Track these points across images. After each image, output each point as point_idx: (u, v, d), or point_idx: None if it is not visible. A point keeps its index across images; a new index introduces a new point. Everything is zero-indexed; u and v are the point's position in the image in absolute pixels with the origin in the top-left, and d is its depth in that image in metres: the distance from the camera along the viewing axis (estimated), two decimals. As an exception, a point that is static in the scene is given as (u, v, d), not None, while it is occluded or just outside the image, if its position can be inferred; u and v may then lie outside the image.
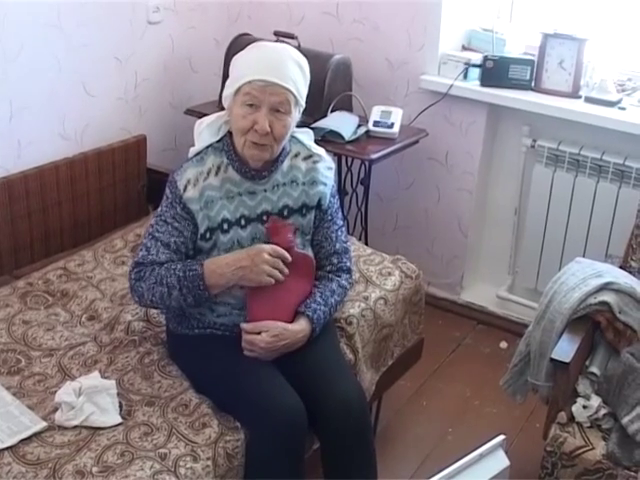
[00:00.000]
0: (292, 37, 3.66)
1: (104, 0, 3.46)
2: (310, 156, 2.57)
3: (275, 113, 2.36)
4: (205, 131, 2.51)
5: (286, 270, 2.43)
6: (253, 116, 2.35)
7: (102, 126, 3.60)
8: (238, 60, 2.44)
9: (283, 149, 2.49)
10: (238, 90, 2.37)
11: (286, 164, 2.52)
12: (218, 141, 2.49)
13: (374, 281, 2.96)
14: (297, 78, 2.38)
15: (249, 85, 2.34)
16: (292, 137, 2.53)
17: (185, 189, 2.42)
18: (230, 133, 2.47)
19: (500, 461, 2.18)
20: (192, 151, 2.51)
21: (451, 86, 3.74)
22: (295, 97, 2.38)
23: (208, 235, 2.44)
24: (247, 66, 2.39)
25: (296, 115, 2.44)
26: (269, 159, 2.45)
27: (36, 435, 2.23)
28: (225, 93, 2.43)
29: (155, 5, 3.73)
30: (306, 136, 2.61)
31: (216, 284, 2.41)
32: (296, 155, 2.55)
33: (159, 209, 2.49)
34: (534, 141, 3.74)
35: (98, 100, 3.57)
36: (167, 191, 2.47)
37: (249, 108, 2.36)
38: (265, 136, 2.36)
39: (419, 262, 3.20)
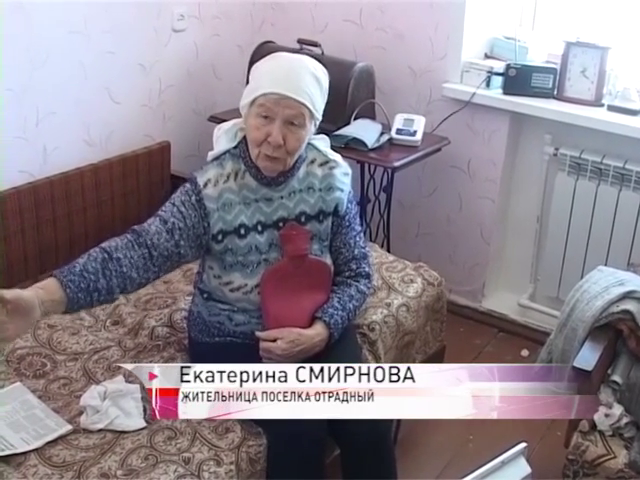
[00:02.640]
0: (315, 45, 3.68)
1: (130, 8, 3.50)
2: (326, 162, 2.56)
3: (289, 126, 2.35)
4: (222, 137, 2.51)
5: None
6: (267, 128, 2.35)
7: (126, 132, 3.63)
8: (256, 70, 2.45)
9: (299, 156, 2.48)
10: (253, 101, 2.37)
11: (302, 171, 2.52)
12: (235, 147, 2.49)
13: (396, 288, 2.97)
14: (313, 91, 2.37)
15: (264, 97, 2.34)
16: (308, 144, 2.52)
17: (205, 186, 2.42)
18: (246, 140, 2.46)
19: (521, 469, 2.17)
20: (210, 155, 2.52)
21: (474, 94, 3.75)
22: (310, 111, 2.37)
23: (220, 237, 2.44)
24: (263, 78, 2.38)
25: (311, 128, 2.43)
26: (282, 170, 2.45)
27: (61, 438, 2.26)
28: (242, 103, 2.43)
29: (180, 13, 3.76)
30: (322, 142, 2.60)
31: None
32: (312, 161, 2.54)
33: (172, 196, 2.47)
34: (556, 149, 3.74)
35: (123, 107, 3.60)
36: (185, 184, 2.47)
37: (263, 120, 2.35)
38: (278, 149, 2.36)
39: (441, 269, 3.21)
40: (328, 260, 2.58)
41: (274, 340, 2.43)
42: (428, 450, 3.27)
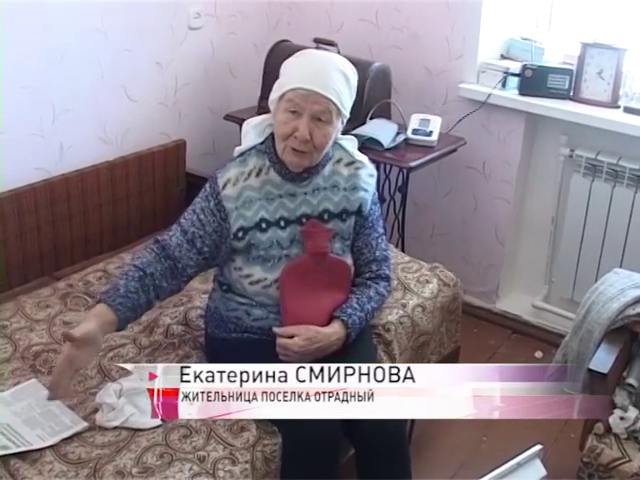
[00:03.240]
0: (332, 44, 3.68)
1: (146, 6, 3.50)
2: (352, 162, 2.57)
3: (316, 121, 2.37)
4: (251, 132, 2.54)
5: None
6: (294, 123, 2.37)
7: (142, 130, 3.64)
8: (286, 66, 2.46)
9: (326, 154, 2.49)
10: (282, 96, 2.39)
11: (328, 169, 2.53)
12: (262, 143, 2.51)
13: (412, 288, 2.96)
14: (341, 89, 2.39)
15: (292, 92, 2.36)
16: (335, 143, 2.54)
17: (224, 187, 2.45)
18: (273, 136, 2.48)
19: (537, 471, 2.17)
20: (237, 150, 2.55)
21: (489, 95, 3.75)
22: (337, 107, 2.39)
23: (241, 234, 2.45)
24: (293, 73, 2.41)
25: (338, 125, 2.45)
26: (308, 166, 2.47)
27: (77, 435, 2.26)
28: (271, 97, 2.45)
29: (196, 11, 3.77)
30: (350, 143, 2.61)
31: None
32: (338, 161, 2.56)
33: (195, 199, 2.52)
34: (572, 151, 3.73)
35: (139, 105, 3.61)
36: (206, 185, 2.50)
37: (291, 115, 2.37)
38: (305, 143, 2.37)
39: (455, 270, 3.20)
40: (349, 260, 2.58)
41: (291, 337, 2.43)
42: (441, 451, 3.27)
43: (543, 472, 2.18)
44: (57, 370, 2.23)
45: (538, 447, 2.17)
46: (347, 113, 2.46)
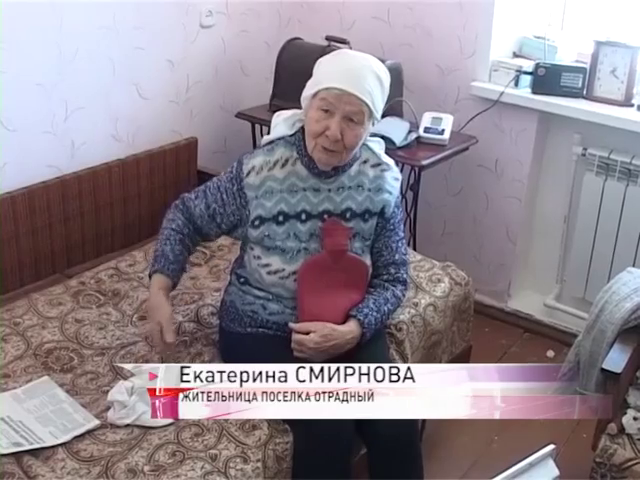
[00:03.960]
0: (344, 42, 3.67)
1: (158, 4, 3.50)
2: (379, 164, 2.58)
3: (348, 122, 2.38)
4: (281, 124, 2.56)
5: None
6: (326, 122, 2.37)
7: (154, 128, 3.64)
8: (322, 64, 2.47)
9: (353, 154, 2.50)
10: (316, 94, 2.40)
11: (354, 169, 2.54)
12: (291, 135, 2.53)
13: (424, 287, 2.96)
14: (374, 91, 2.39)
15: (326, 91, 2.37)
16: (363, 144, 2.54)
17: (248, 174, 2.48)
18: (303, 129, 2.49)
19: (550, 471, 2.16)
20: (265, 139, 2.58)
21: (502, 93, 3.73)
22: (370, 109, 2.39)
23: (257, 223, 2.48)
24: (328, 72, 2.41)
25: (369, 126, 2.46)
26: (337, 165, 2.48)
27: (89, 432, 2.26)
28: (304, 94, 2.46)
29: (208, 9, 3.76)
30: (377, 145, 2.63)
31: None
32: (365, 161, 2.57)
33: (222, 174, 2.58)
34: (585, 149, 3.71)
35: (150, 102, 3.61)
36: (234, 165, 2.54)
37: (323, 113, 2.38)
38: (335, 143, 2.38)
39: (466, 269, 3.19)
40: (368, 261, 2.59)
41: (307, 333, 2.43)
42: (453, 450, 3.26)
43: (556, 472, 2.16)
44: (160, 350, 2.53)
45: (551, 447, 2.16)
46: (378, 115, 2.47)
